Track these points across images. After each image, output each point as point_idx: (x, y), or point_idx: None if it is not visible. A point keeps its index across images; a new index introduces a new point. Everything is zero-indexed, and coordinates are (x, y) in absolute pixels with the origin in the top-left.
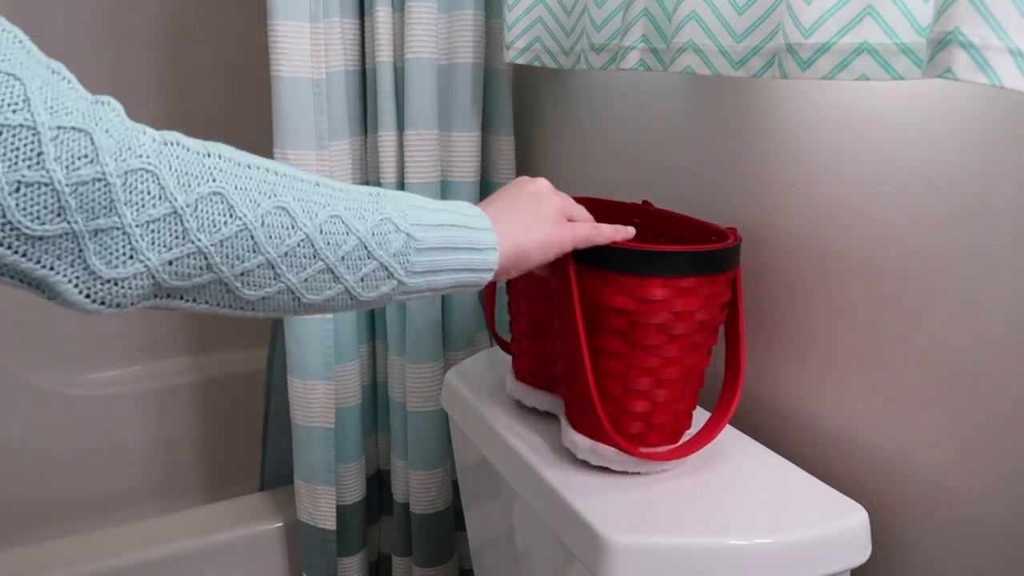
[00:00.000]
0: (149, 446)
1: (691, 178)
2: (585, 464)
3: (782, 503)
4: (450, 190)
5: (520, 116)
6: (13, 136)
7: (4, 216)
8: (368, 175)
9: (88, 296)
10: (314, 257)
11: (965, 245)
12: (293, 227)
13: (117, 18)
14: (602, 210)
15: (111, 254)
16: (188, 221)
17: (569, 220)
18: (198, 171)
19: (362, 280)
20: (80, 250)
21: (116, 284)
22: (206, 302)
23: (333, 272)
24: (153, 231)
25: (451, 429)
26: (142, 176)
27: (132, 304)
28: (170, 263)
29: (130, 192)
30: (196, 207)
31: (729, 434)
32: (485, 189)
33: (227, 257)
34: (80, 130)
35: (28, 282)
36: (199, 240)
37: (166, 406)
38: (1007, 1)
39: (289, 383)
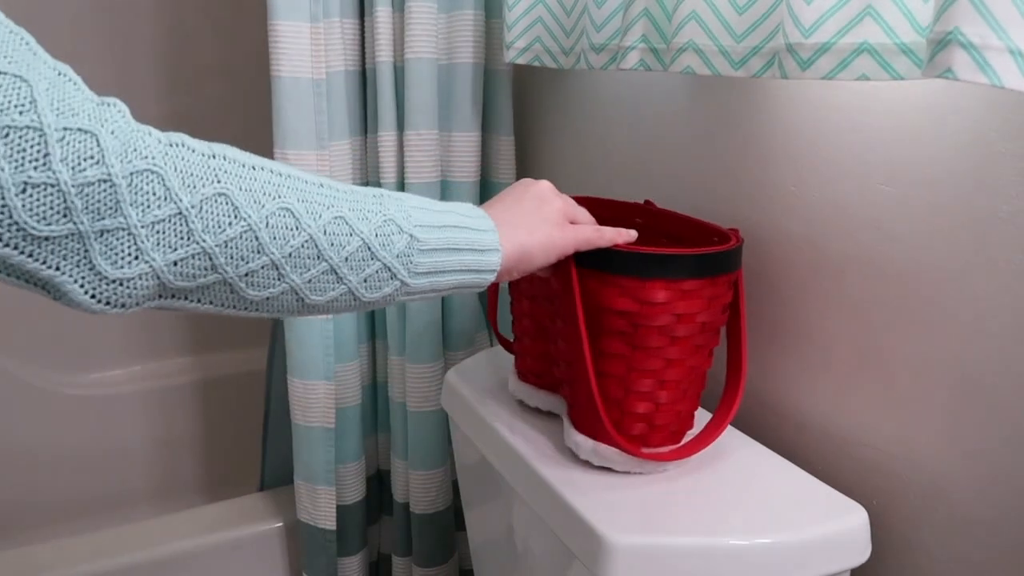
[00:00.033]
0: (149, 446)
1: (691, 178)
2: (585, 464)
3: (782, 503)
4: (450, 190)
5: (520, 116)
6: (20, 137)
7: (11, 217)
8: (368, 175)
9: (93, 296)
10: (318, 258)
11: (965, 244)
12: (297, 228)
13: (117, 18)
14: (604, 210)
15: (116, 254)
16: (193, 222)
17: (572, 222)
18: (203, 172)
19: (365, 281)
20: (86, 250)
21: (121, 284)
22: (210, 303)
23: (337, 273)
24: (158, 232)
25: (451, 429)
26: (147, 177)
27: (137, 304)
28: (175, 263)
29: (136, 193)
30: (201, 208)
31: (729, 434)
32: (485, 189)
33: (231, 258)
34: (86, 131)
35: (34, 282)
36: (204, 241)
37: (166, 406)
38: (1007, 1)
39: (289, 383)
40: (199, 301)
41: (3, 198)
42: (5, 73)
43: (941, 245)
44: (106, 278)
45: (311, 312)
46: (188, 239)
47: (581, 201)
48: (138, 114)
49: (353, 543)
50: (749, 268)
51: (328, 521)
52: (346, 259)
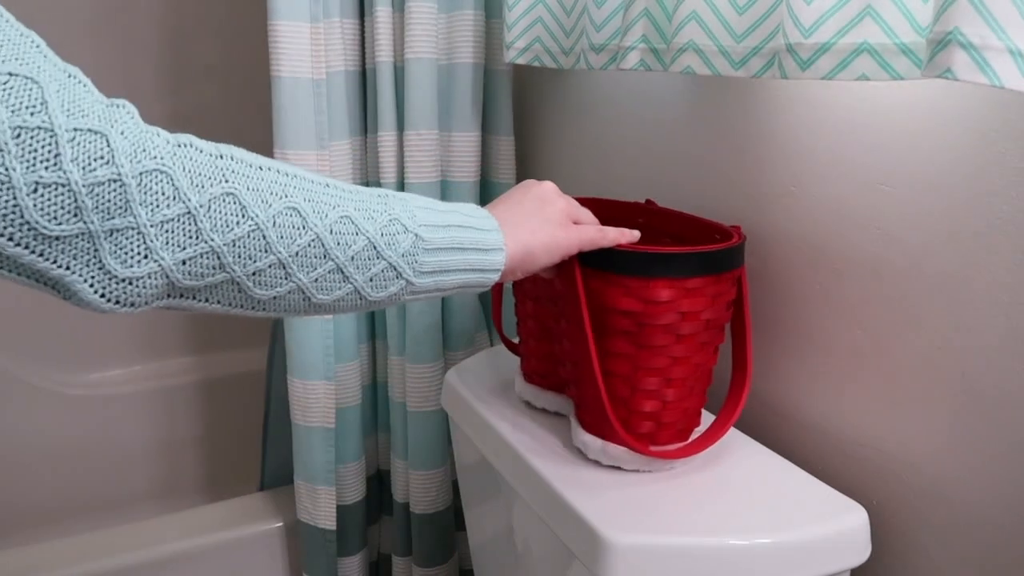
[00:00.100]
0: (149, 446)
1: (690, 178)
2: (584, 463)
3: (782, 503)
4: (450, 190)
5: (520, 116)
6: (31, 138)
7: (22, 216)
8: (368, 175)
9: (103, 295)
10: (324, 257)
11: (964, 245)
12: (304, 227)
13: (117, 18)
14: (606, 210)
15: (126, 253)
16: (201, 221)
17: (575, 223)
18: (211, 172)
19: (371, 280)
20: (96, 250)
21: (131, 283)
22: (218, 302)
23: (343, 272)
24: (167, 231)
25: (451, 429)
26: (156, 177)
27: (146, 303)
28: (183, 263)
29: (145, 192)
30: (209, 207)
31: (729, 434)
32: (485, 189)
33: (239, 257)
34: (96, 132)
35: (44, 282)
36: (212, 240)
37: (166, 406)
38: (1007, 1)
39: (289, 383)
40: (207, 300)
41: (15, 198)
42: (16, 75)
43: (941, 245)
44: (116, 277)
45: (318, 312)
46: (196, 238)
47: (582, 201)
48: (139, 114)
49: (353, 543)
50: (749, 268)
51: (328, 521)
52: (352, 258)
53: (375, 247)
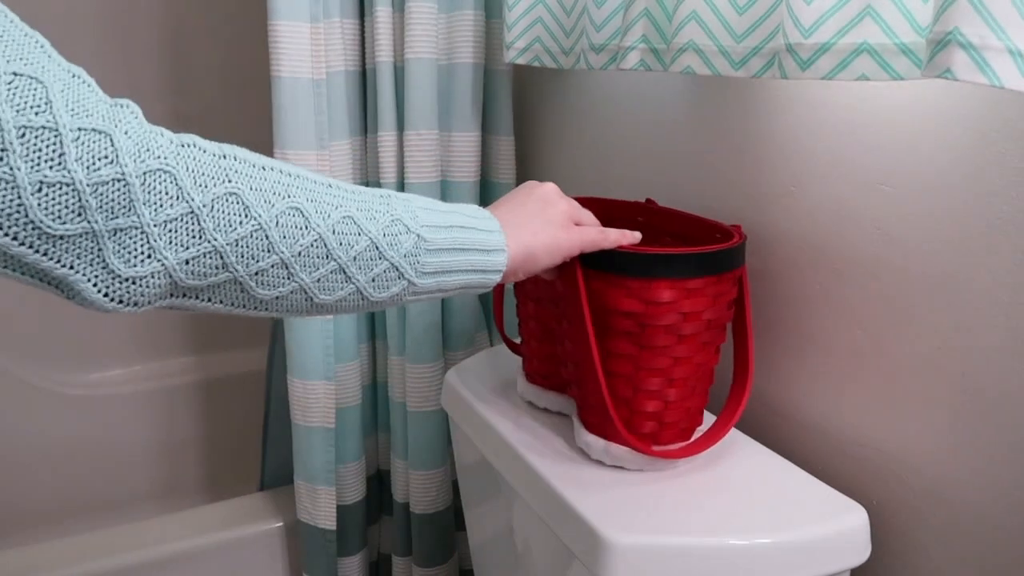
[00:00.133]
0: (149, 446)
1: (690, 179)
2: (584, 463)
3: (782, 503)
4: (450, 190)
5: (520, 116)
6: (36, 137)
7: (26, 215)
8: (368, 175)
9: (107, 295)
10: (327, 257)
11: (965, 245)
12: (307, 227)
13: (117, 18)
14: (606, 209)
15: (129, 253)
16: (205, 221)
17: (576, 224)
18: (214, 172)
19: (373, 280)
20: (99, 249)
21: (134, 283)
22: (221, 302)
23: (345, 272)
24: (171, 230)
25: (451, 429)
26: (160, 176)
27: (149, 303)
28: (187, 262)
29: (148, 192)
30: (212, 207)
31: (730, 434)
32: (485, 189)
33: (242, 256)
34: (100, 132)
35: (48, 281)
36: (215, 239)
37: (166, 406)
38: (1006, 1)
39: (289, 383)
40: (210, 300)
41: (19, 197)
42: (21, 75)
43: (941, 245)
44: (119, 276)
45: (320, 312)
46: (200, 238)
47: (582, 201)
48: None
49: (353, 543)
50: (750, 268)
51: (328, 521)
52: (354, 258)
53: (377, 247)
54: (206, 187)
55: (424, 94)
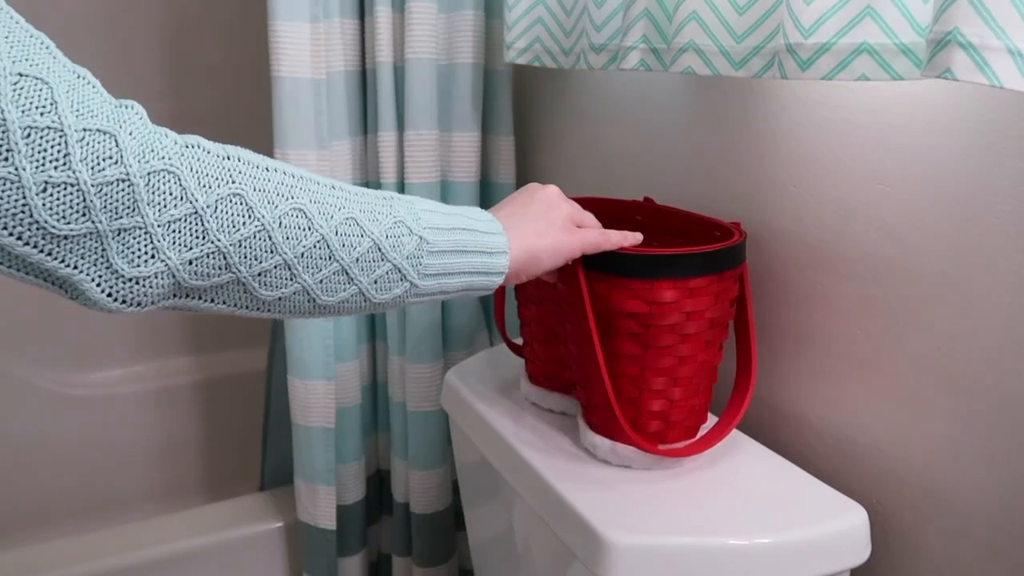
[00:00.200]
0: (149, 446)
1: (691, 179)
2: (585, 463)
3: (782, 503)
4: (450, 190)
5: (520, 116)
6: (41, 138)
7: (31, 216)
8: (368, 175)
9: (110, 295)
10: (330, 258)
11: (965, 245)
12: (310, 228)
13: (117, 18)
14: (604, 208)
15: (133, 253)
16: (208, 221)
17: (578, 227)
18: (218, 173)
19: (376, 282)
20: (103, 249)
21: (138, 283)
22: (224, 302)
23: (348, 273)
24: (174, 231)
25: (451, 429)
26: (164, 177)
27: (153, 303)
28: (190, 262)
29: (153, 192)
30: (216, 208)
31: (730, 435)
32: (485, 190)
33: (245, 257)
34: (105, 132)
35: (51, 281)
36: (218, 240)
37: (166, 406)
38: (1006, 1)
39: (289, 383)
40: (213, 301)
41: (24, 197)
42: (27, 75)
43: (941, 246)
44: (123, 276)
45: (322, 313)
46: (203, 238)
47: (579, 201)
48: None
49: (353, 543)
50: (750, 268)
51: (328, 521)
52: (357, 260)
53: (380, 249)
54: (210, 188)
55: (424, 94)
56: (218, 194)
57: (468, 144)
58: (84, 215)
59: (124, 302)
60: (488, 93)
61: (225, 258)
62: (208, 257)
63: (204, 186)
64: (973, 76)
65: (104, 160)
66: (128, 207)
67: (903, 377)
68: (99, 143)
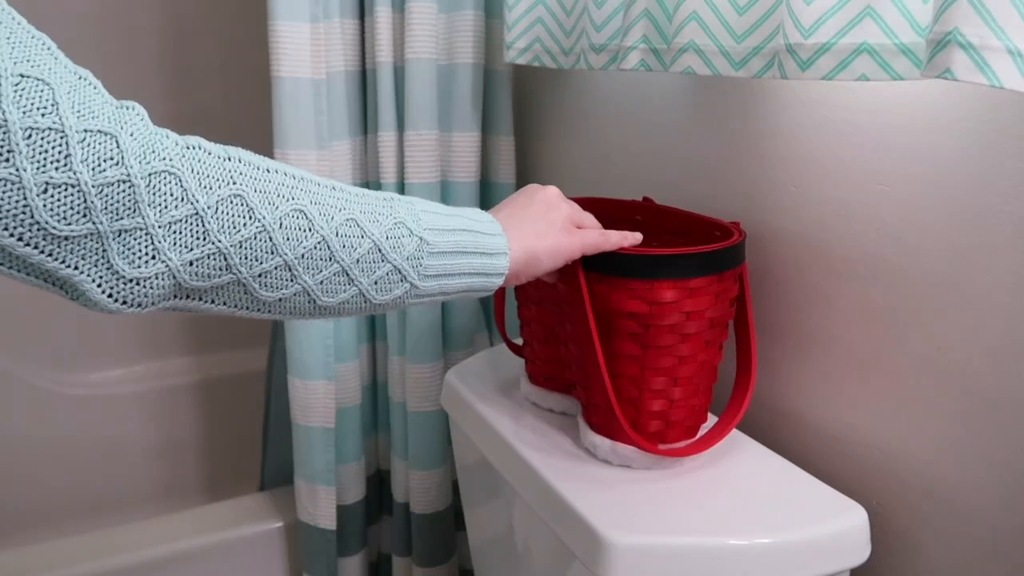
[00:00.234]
0: (149, 446)
1: (691, 179)
2: (585, 463)
3: (782, 503)
4: (450, 191)
5: (520, 116)
6: (42, 139)
7: (32, 216)
8: (368, 175)
9: (111, 296)
10: (330, 259)
11: (964, 245)
12: (310, 229)
13: (118, 19)
14: (604, 208)
15: (134, 254)
16: (209, 222)
17: (578, 228)
18: (219, 174)
19: (376, 283)
20: (104, 250)
21: (138, 284)
22: (224, 303)
23: (348, 274)
24: (175, 232)
25: (451, 429)
26: (165, 178)
27: (153, 304)
28: (191, 263)
29: (153, 193)
30: (217, 209)
31: (730, 435)
32: (485, 190)
33: (246, 258)
34: (106, 133)
35: (52, 282)
36: (219, 241)
37: (166, 406)
38: (1006, 1)
39: (289, 383)
40: (213, 302)
41: (25, 198)
42: (28, 76)
43: (941, 246)
44: (123, 277)
45: (323, 314)
46: (204, 239)
47: (578, 201)
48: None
49: (353, 543)
50: (749, 268)
51: (328, 521)
52: (357, 261)
53: (380, 250)
54: (211, 189)
55: (424, 94)
56: (219, 195)
57: (468, 144)
58: (85, 216)
59: (124, 303)
60: (488, 93)
61: (226, 259)
62: (209, 258)
63: (205, 187)
64: (973, 76)
65: (105, 161)
66: (129, 208)
67: (903, 377)
68: (100, 144)
